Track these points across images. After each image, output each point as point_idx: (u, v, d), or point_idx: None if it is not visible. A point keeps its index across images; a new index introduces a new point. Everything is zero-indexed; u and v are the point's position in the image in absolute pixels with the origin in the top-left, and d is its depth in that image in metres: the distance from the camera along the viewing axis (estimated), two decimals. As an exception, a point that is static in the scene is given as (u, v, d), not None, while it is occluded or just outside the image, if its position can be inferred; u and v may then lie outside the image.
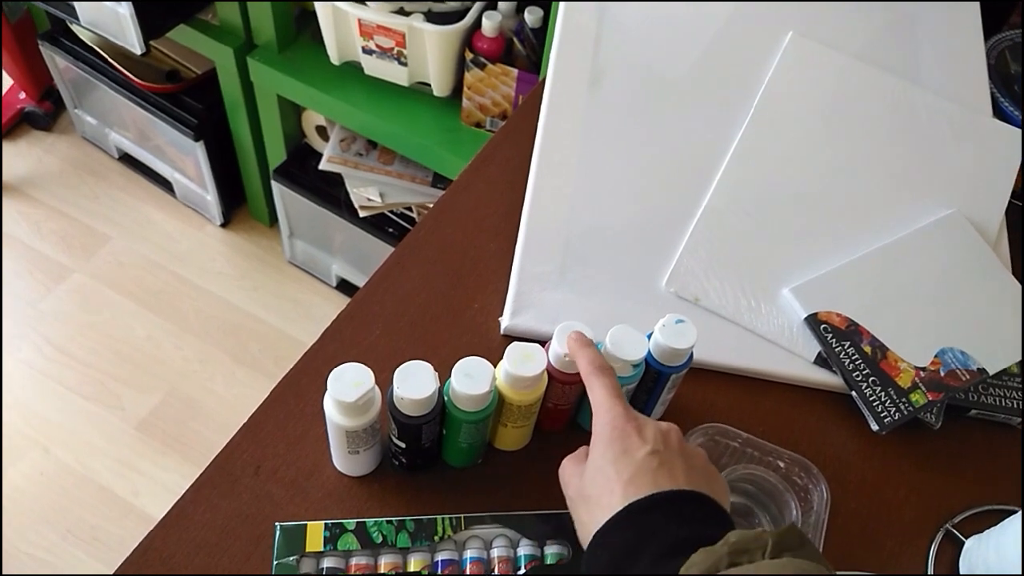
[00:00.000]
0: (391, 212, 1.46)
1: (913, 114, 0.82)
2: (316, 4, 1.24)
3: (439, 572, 0.55)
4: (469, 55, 1.22)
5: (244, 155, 1.62)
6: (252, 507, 0.58)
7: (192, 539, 0.57)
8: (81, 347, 1.56)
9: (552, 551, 0.56)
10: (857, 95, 0.83)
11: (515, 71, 1.22)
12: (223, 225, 1.76)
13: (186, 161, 1.66)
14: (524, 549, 0.57)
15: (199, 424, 1.49)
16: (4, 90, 1.84)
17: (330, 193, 1.48)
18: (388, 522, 0.56)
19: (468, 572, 0.55)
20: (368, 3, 1.19)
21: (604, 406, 0.50)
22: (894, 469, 0.68)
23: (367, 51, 1.27)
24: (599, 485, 0.47)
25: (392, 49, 1.25)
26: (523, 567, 0.55)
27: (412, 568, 0.55)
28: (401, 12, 1.20)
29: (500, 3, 1.22)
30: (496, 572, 0.55)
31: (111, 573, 0.55)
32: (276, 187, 1.53)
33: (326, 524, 0.56)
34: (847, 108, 0.82)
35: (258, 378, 1.55)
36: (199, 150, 1.57)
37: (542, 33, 1.21)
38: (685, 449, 0.49)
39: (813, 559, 0.41)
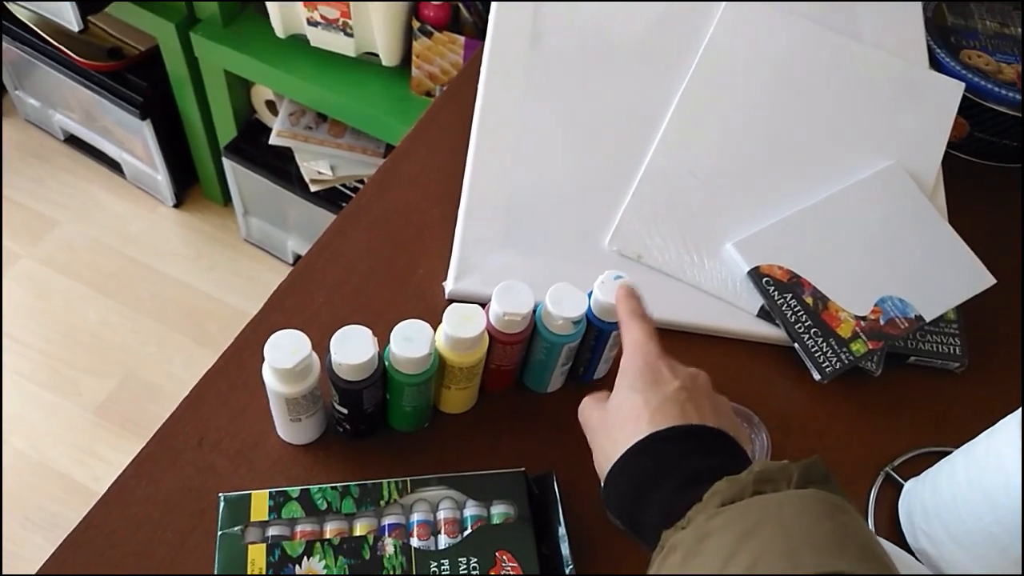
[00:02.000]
0: (344, 186, 1.44)
1: (851, 68, 0.83)
2: (257, -26, 1.21)
3: (385, 535, 0.55)
4: (416, 24, 1.21)
5: (193, 133, 1.59)
6: (195, 480, 0.58)
7: (134, 514, 0.56)
8: (34, 334, 1.53)
9: (498, 511, 0.57)
10: (796, 51, 0.83)
11: (462, 39, 1.20)
12: (176, 206, 1.73)
13: (134, 141, 1.63)
14: (470, 510, 0.57)
15: (158, 407, 1.47)
16: (-59, 73, 1.78)
17: (282, 168, 1.46)
18: (333, 488, 0.56)
19: (414, 533, 0.55)
20: (310, -28, 1.17)
21: (638, 342, 0.50)
22: (836, 417, 0.69)
23: (312, 23, 1.25)
24: (624, 412, 0.47)
25: (337, 20, 1.23)
26: (470, 527, 0.55)
27: (358, 533, 0.55)
28: (344, -20, 1.18)
29: (444, -31, 1.20)
30: (443, 533, 0.55)
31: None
32: (228, 164, 1.51)
33: (270, 493, 0.55)
34: (786, 64, 0.82)
35: (216, 358, 1.53)
36: (146, 129, 1.53)
37: (488, 0, 1.19)
38: (712, 393, 0.49)
39: (837, 493, 0.40)
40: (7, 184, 1.71)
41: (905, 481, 0.65)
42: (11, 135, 1.78)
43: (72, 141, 1.76)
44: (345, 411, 0.57)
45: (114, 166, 1.74)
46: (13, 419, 1.43)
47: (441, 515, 0.56)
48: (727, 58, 0.81)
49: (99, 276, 1.62)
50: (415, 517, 0.56)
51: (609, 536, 0.60)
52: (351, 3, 1.18)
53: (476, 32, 1.22)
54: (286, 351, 0.52)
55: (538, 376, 0.64)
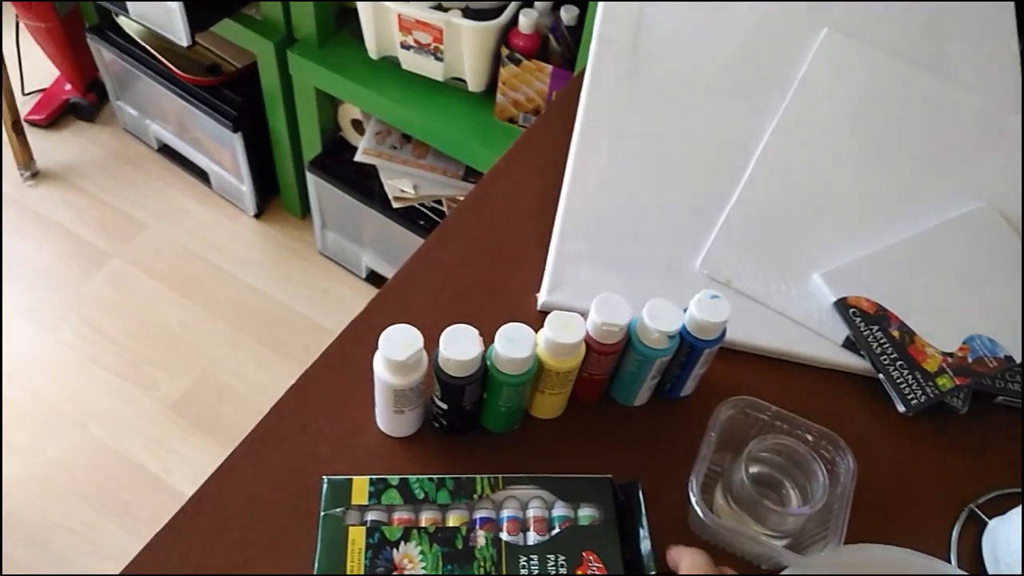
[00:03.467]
0: (422, 205, 1.49)
1: (944, 110, 0.84)
2: (357, 1, 1.27)
3: (476, 528, 0.57)
4: (505, 51, 1.25)
5: (280, 147, 1.66)
6: (299, 462, 0.61)
7: (243, 490, 0.60)
8: (118, 330, 1.60)
9: (585, 513, 0.58)
10: (889, 90, 0.85)
11: (549, 67, 1.24)
12: (256, 216, 1.80)
13: (223, 153, 1.71)
14: (558, 511, 0.59)
15: (229, 407, 1.53)
16: (51, 82, 1.89)
17: (364, 185, 1.51)
18: (430, 479, 0.59)
19: (504, 528, 0.57)
20: (408, -1, 1.23)
21: None
22: (919, 451, 0.69)
23: (405, 46, 1.31)
24: None
25: (429, 44, 1.28)
26: (557, 527, 0.57)
27: (451, 523, 0.57)
28: (439, 8, 1.24)
29: (536, 0, 1.25)
30: (531, 530, 0.57)
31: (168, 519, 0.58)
32: (311, 178, 1.57)
33: (371, 479, 0.58)
34: (879, 102, 0.84)
35: (287, 364, 1.58)
36: (237, 141, 1.61)
37: (577, 31, 1.23)
38: None
39: None
40: (103, 188, 1.81)
41: (989, 519, 0.65)
42: (109, 142, 1.88)
43: (165, 151, 1.85)
44: (445, 407, 0.60)
45: (202, 176, 1.82)
46: (95, 408, 1.50)
47: (531, 513, 0.58)
48: (821, 92, 0.83)
49: (181, 279, 1.69)
50: (505, 513, 0.58)
51: (688, 537, 0.61)
52: (444, 28, 1.23)
53: (563, 61, 1.26)
54: (400, 344, 0.55)
55: (627, 389, 0.66)
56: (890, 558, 0.61)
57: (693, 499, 0.57)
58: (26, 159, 1.78)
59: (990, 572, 0.62)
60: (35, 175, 1.80)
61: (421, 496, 0.58)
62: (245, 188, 1.74)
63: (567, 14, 1.22)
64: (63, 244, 1.71)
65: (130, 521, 1.38)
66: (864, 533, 0.62)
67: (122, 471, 1.44)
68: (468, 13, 1.23)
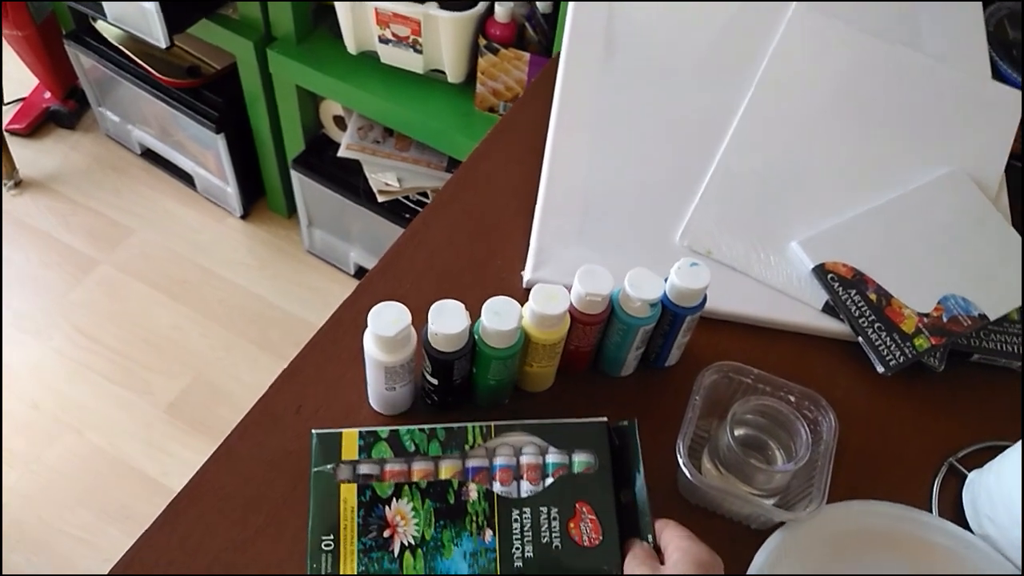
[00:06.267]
0: (407, 198, 1.50)
1: (914, 78, 0.86)
2: (335, -6, 1.28)
3: (469, 479, 0.57)
4: (482, 41, 1.27)
5: (263, 147, 1.66)
6: (295, 444, 0.62)
7: (241, 472, 0.61)
8: (110, 335, 1.61)
9: (580, 459, 0.58)
10: (859, 61, 0.86)
11: (527, 55, 1.26)
12: (243, 217, 1.81)
13: (207, 155, 1.71)
14: (552, 457, 0.58)
15: (224, 408, 1.54)
16: (30, 90, 1.89)
17: (348, 181, 1.52)
18: (420, 430, 0.58)
19: (497, 478, 0.57)
20: (385, -8, 1.24)
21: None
22: (899, 410, 0.71)
23: (383, 40, 1.32)
24: None
25: (408, 37, 1.29)
26: (551, 474, 0.57)
27: (443, 475, 0.57)
28: (416, 0, 1.25)
29: (512, -11, 1.26)
30: (524, 478, 0.57)
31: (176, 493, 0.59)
32: (295, 176, 1.58)
33: (360, 432, 0.57)
34: (850, 73, 0.86)
35: (280, 364, 1.55)
36: (220, 143, 1.61)
37: (553, 18, 1.25)
38: None
39: None
40: (87, 195, 1.81)
41: (968, 472, 0.67)
42: (93, 149, 1.88)
43: (148, 155, 1.86)
44: (436, 382, 0.61)
45: (186, 179, 1.82)
46: (90, 414, 1.50)
47: (524, 460, 0.58)
48: (793, 66, 0.85)
49: (170, 282, 1.70)
50: (498, 461, 0.57)
51: (677, 501, 0.63)
52: (422, 20, 1.24)
53: (541, 49, 1.27)
54: (388, 320, 0.56)
55: (613, 359, 0.67)
56: (875, 512, 0.63)
57: (680, 461, 0.59)
58: (9, 169, 1.78)
59: (970, 521, 0.64)
60: (18, 184, 1.80)
61: (412, 448, 0.57)
62: (230, 189, 1.75)
63: (542, 2, 1.24)
64: (50, 252, 1.71)
65: (130, 524, 1.39)
66: (849, 491, 0.64)
67: (120, 475, 1.44)
68: (444, 4, 1.24)
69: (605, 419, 0.60)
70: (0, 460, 1.43)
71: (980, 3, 0.93)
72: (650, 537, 0.55)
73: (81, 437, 1.48)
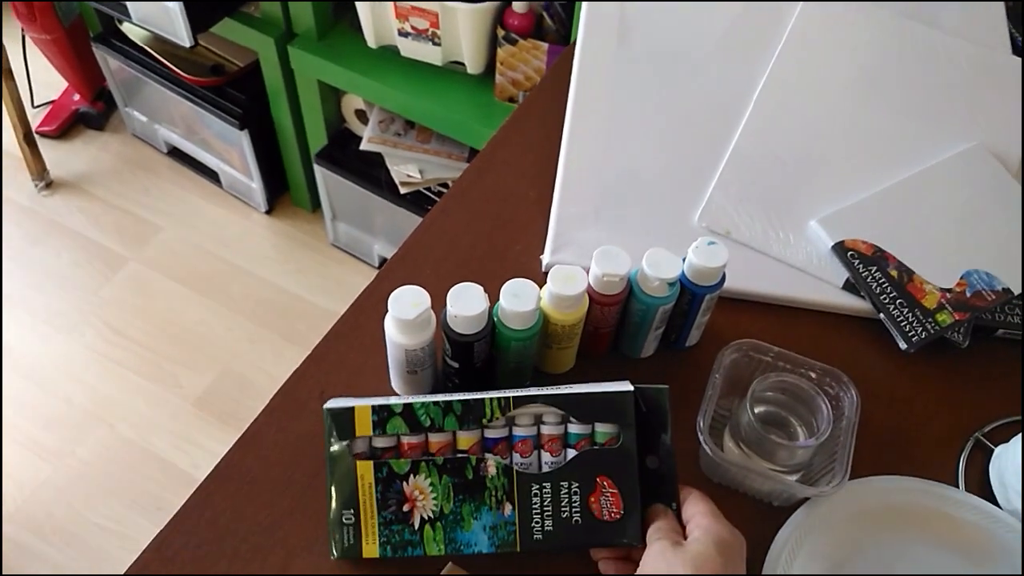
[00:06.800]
0: (428, 189, 1.51)
1: (932, 54, 0.85)
2: (353, -11, 1.29)
3: (489, 449, 0.56)
4: (501, 32, 1.27)
5: (286, 142, 1.68)
6: (319, 428, 0.63)
7: (266, 456, 0.62)
8: (139, 330, 1.64)
9: (603, 429, 0.56)
10: (876, 39, 0.86)
11: (545, 45, 1.26)
12: (267, 212, 1.83)
13: (231, 151, 1.73)
14: (574, 427, 0.56)
15: (252, 400, 1.56)
16: (59, 93, 1.93)
17: (371, 174, 1.53)
18: (435, 404, 0.56)
19: (517, 449, 0.56)
20: (403, -16, 1.25)
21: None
22: (923, 386, 0.71)
23: (403, 33, 1.33)
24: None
25: (427, 30, 1.30)
26: (574, 445, 0.55)
27: (461, 446, 0.55)
28: (435, -7, 1.25)
29: (529, -21, 1.26)
30: (545, 449, 0.56)
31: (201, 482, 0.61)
32: (319, 170, 1.59)
33: (373, 407, 0.55)
34: (866, 51, 0.85)
35: (306, 355, 1.61)
36: (244, 139, 1.63)
37: (570, 8, 1.25)
38: None
39: None
40: (116, 194, 1.84)
41: (995, 447, 0.67)
42: (120, 149, 1.91)
43: (174, 153, 1.89)
44: (456, 365, 0.62)
45: (212, 176, 1.85)
46: (121, 408, 1.53)
47: (545, 430, 0.56)
48: (809, 46, 0.85)
49: (197, 278, 1.72)
50: (518, 432, 0.56)
51: (699, 480, 0.63)
52: (440, 13, 1.25)
53: (558, 39, 1.27)
54: (408, 303, 0.57)
55: (633, 341, 0.68)
56: (901, 487, 0.63)
57: (701, 438, 0.59)
58: (39, 170, 1.82)
59: (997, 496, 0.64)
60: (49, 185, 1.84)
61: (428, 423, 0.56)
62: (255, 185, 1.77)
63: (559, -10, 1.24)
64: (81, 250, 1.75)
65: (161, 516, 1.39)
66: (874, 467, 0.64)
67: (151, 468, 1.47)
68: (462, -4, 1.25)
69: (631, 389, 0.56)
70: (0, 458, 1.46)
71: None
72: (674, 505, 0.55)
73: (112, 431, 1.51)
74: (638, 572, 0.52)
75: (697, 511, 0.54)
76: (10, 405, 1.52)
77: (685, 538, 0.53)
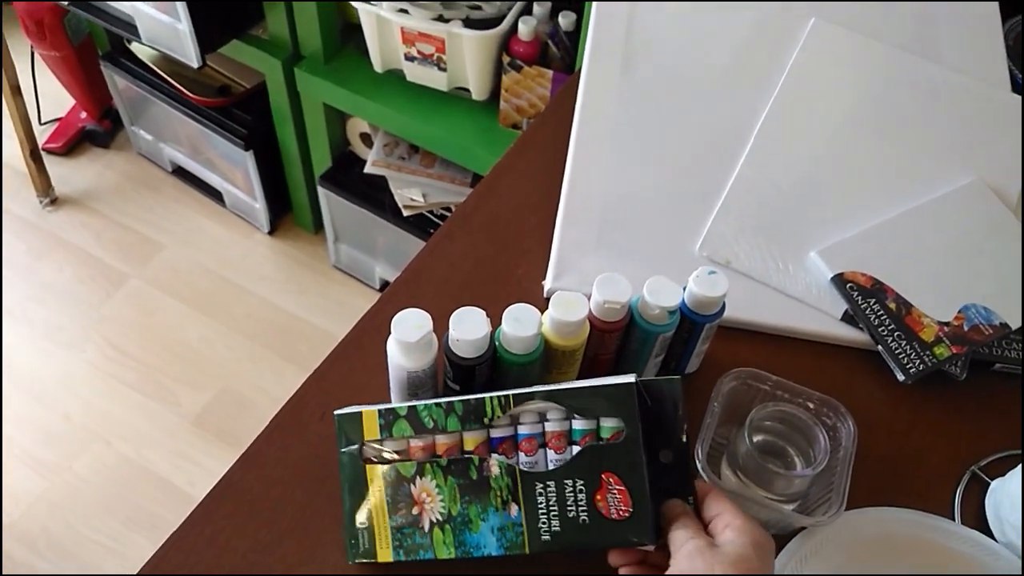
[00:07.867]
0: (431, 213, 1.52)
1: (933, 89, 0.86)
2: (361, 15, 1.31)
3: (495, 448, 0.55)
4: (506, 59, 1.29)
5: (290, 164, 1.70)
6: (320, 448, 0.64)
7: (267, 475, 0.62)
8: (139, 347, 1.64)
9: (608, 424, 0.54)
10: (878, 73, 0.87)
11: (550, 72, 1.28)
12: (270, 232, 1.84)
13: (236, 172, 1.75)
14: (579, 423, 0.55)
15: (250, 419, 1.56)
16: (66, 110, 1.95)
17: (374, 197, 1.55)
18: (437, 405, 0.56)
19: (521, 447, 0.55)
20: (409, 11, 1.26)
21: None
22: (921, 418, 0.71)
23: (409, 58, 1.34)
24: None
25: (433, 55, 1.32)
26: (578, 441, 0.54)
27: (467, 447, 0.55)
28: (440, 19, 1.27)
29: (535, 8, 1.28)
30: (549, 446, 0.55)
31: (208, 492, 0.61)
32: (323, 192, 1.61)
33: (379, 411, 0.57)
34: (869, 85, 0.86)
35: (305, 376, 1.61)
36: (249, 160, 1.65)
37: (575, 36, 1.27)
38: None
39: None
40: (120, 211, 1.85)
41: (991, 480, 0.67)
42: (125, 167, 1.93)
43: (179, 172, 1.90)
44: (457, 388, 0.62)
45: (215, 195, 1.86)
46: (119, 425, 1.53)
47: (549, 427, 0.55)
48: (811, 78, 0.86)
49: (199, 296, 1.73)
50: (522, 430, 0.55)
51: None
52: (447, 39, 1.27)
53: (563, 66, 1.29)
54: (411, 326, 0.58)
55: (633, 367, 0.68)
56: (897, 518, 0.63)
57: (699, 466, 0.59)
58: (45, 186, 1.83)
59: (993, 530, 0.64)
60: (54, 201, 1.85)
61: (431, 425, 0.56)
62: (258, 205, 1.78)
63: (565, 20, 1.26)
64: (83, 266, 1.75)
65: (157, 533, 1.41)
66: (870, 498, 0.64)
67: (147, 485, 1.47)
68: (469, 23, 1.27)
69: (633, 380, 0.54)
70: (0, 464, 1.46)
71: (998, 17, 0.94)
72: (690, 499, 0.53)
73: (110, 447, 1.51)
74: (669, 572, 0.50)
75: (724, 509, 0.52)
76: (8, 419, 1.53)
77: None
